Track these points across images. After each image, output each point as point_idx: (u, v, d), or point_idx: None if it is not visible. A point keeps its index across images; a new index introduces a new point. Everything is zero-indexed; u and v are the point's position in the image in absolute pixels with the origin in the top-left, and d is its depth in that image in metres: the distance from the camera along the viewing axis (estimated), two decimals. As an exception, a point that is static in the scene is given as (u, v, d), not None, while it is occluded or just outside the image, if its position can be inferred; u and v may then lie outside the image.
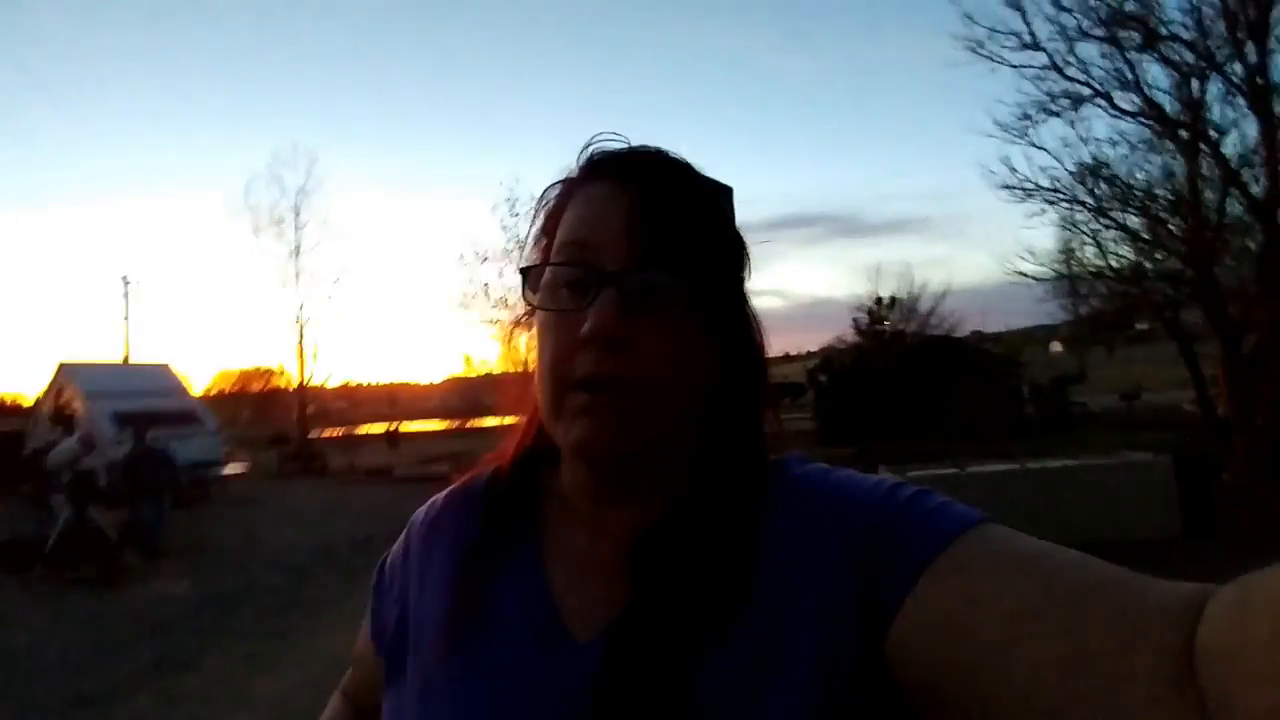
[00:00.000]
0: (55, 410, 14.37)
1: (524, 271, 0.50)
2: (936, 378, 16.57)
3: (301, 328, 24.04)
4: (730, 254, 0.50)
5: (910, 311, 21.48)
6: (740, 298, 0.51)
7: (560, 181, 0.51)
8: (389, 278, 75.63)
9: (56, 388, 15.77)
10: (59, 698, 4.10)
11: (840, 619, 0.41)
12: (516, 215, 26.12)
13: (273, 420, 29.90)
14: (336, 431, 28.26)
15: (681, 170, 0.49)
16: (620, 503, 0.49)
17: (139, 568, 7.37)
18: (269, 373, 33.18)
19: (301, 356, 24.42)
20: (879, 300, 20.87)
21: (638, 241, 0.45)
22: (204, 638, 5.11)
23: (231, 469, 15.23)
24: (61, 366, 16.04)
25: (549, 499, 0.53)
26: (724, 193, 0.50)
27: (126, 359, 22.67)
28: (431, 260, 73.30)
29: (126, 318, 26.48)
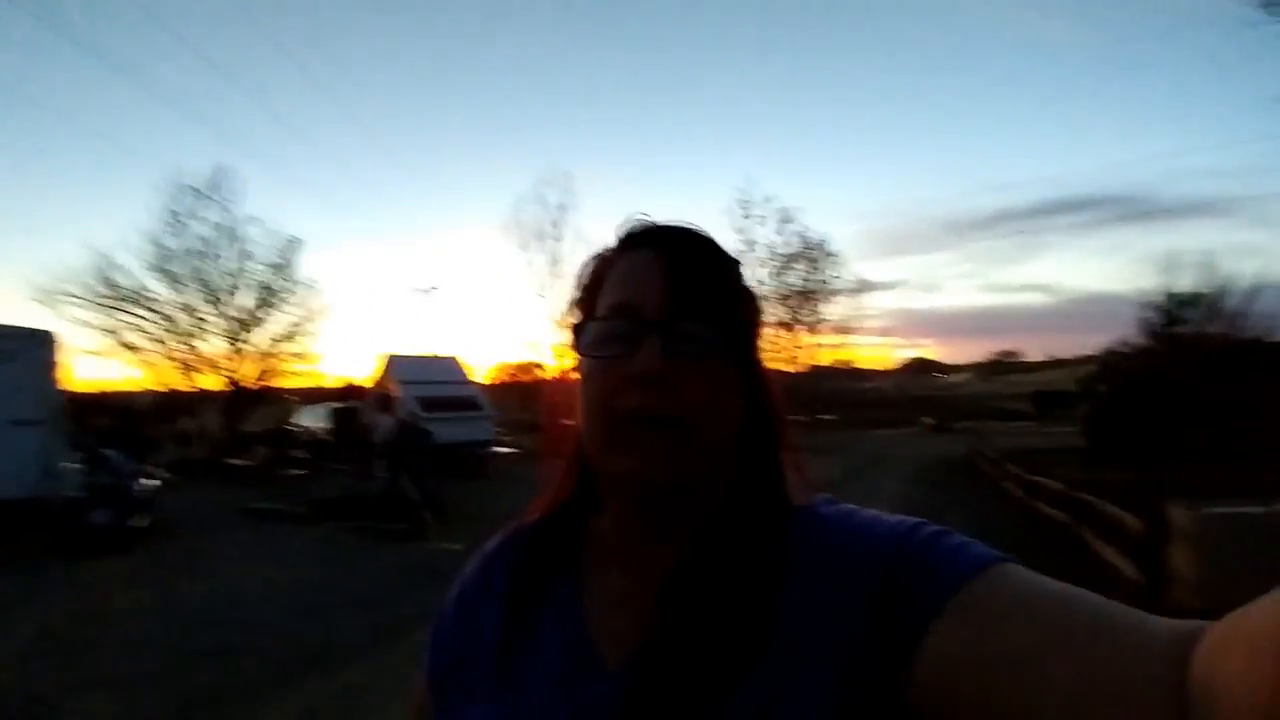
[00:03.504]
0: (380, 393, 17.79)
1: (575, 329, 0.55)
2: (1246, 391, 13.02)
3: (558, 327, 26.77)
4: (747, 307, 0.55)
5: (1214, 310, 17.39)
6: (755, 345, 0.55)
7: (597, 255, 0.58)
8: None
9: (382, 374, 19.56)
10: (359, 626, 5.01)
11: (856, 658, 0.43)
12: (749, 217, 25.81)
13: (535, 407, 33.77)
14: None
15: (706, 241, 0.55)
16: (657, 539, 0.53)
17: (433, 527, 8.74)
18: (535, 366, 37.47)
19: (557, 352, 27.12)
20: (1173, 297, 17.43)
21: (675, 297, 0.51)
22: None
23: (503, 449, 17.54)
24: (385, 357, 19.87)
25: (590, 541, 0.57)
26: (738, 261, 0.56)
27: (430, 351, 27.33)
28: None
29: (430, 318, 31.95)
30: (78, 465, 8.55)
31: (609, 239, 0.58)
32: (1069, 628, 0.36)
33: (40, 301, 17.79)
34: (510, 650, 0.53)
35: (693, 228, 0.55)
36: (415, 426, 10.38)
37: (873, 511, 0.51)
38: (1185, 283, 17.79)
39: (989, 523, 8.60)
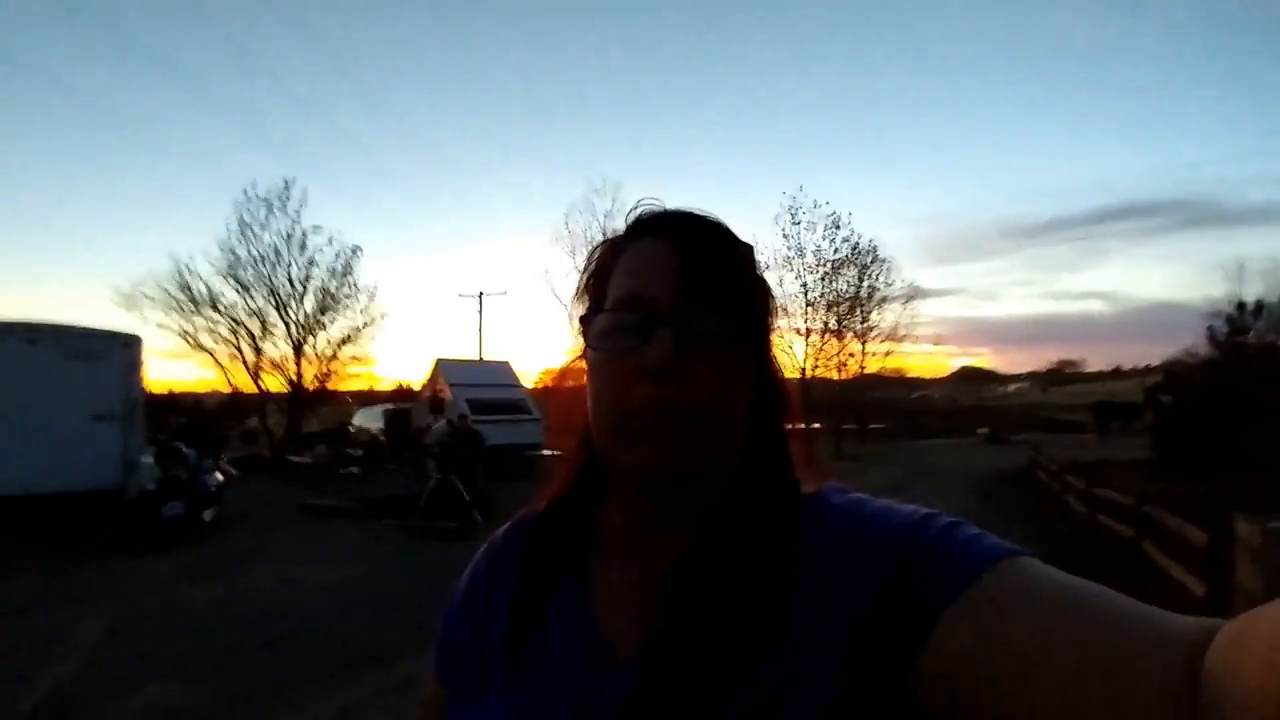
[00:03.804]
0: (432, 396, 18.28)
1: (583, 320, 0.54)
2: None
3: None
4: (761, 300, 0.54)
5: (1282, 319, 16.24)
6: (768, 336, 0.55)
7: (604, 242, 0.57)
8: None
9: (434, 377, 20.08)
10: (410, 622, 5.15)
11: (865, 649, 0.43)
12: (798, 224, 25.46)
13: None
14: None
15: (718, 228, 0.53)
16: (665, 528, 0.53)
17: (482, 527, 8.94)
18: (580, 371, 37.81)
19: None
20: (1241, 305, 16.60)
21: (687, 288, 0.50)
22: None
23: (550, 450, 17.68)
24: (437, 361, 20.41)
25: (596, 531, 0.57)
26: (751, 247, 0.55)
27: (480, 356, 27.90)
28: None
29: (481, 322, 32.62)
30: (153, 460, 9.10)
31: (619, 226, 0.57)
32: (1078, 622, 0.36)
33: (122, 305, 19.02)
34: (519, 643, 0.53)
35: (704, 214, 0.54)
36: (468, 429, 10.65)
37: (885, 500, 0.51)
38: (1253, 291, 17.01)
39: (1051, 538, 8.30)
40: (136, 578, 6.57)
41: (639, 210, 0.56)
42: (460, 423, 10.79)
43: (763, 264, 0.57)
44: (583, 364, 0.55)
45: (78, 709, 3.74)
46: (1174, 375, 17.87)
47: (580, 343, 0.55)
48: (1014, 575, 0.40)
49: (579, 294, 0.57)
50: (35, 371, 8.53)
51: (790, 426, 0.56)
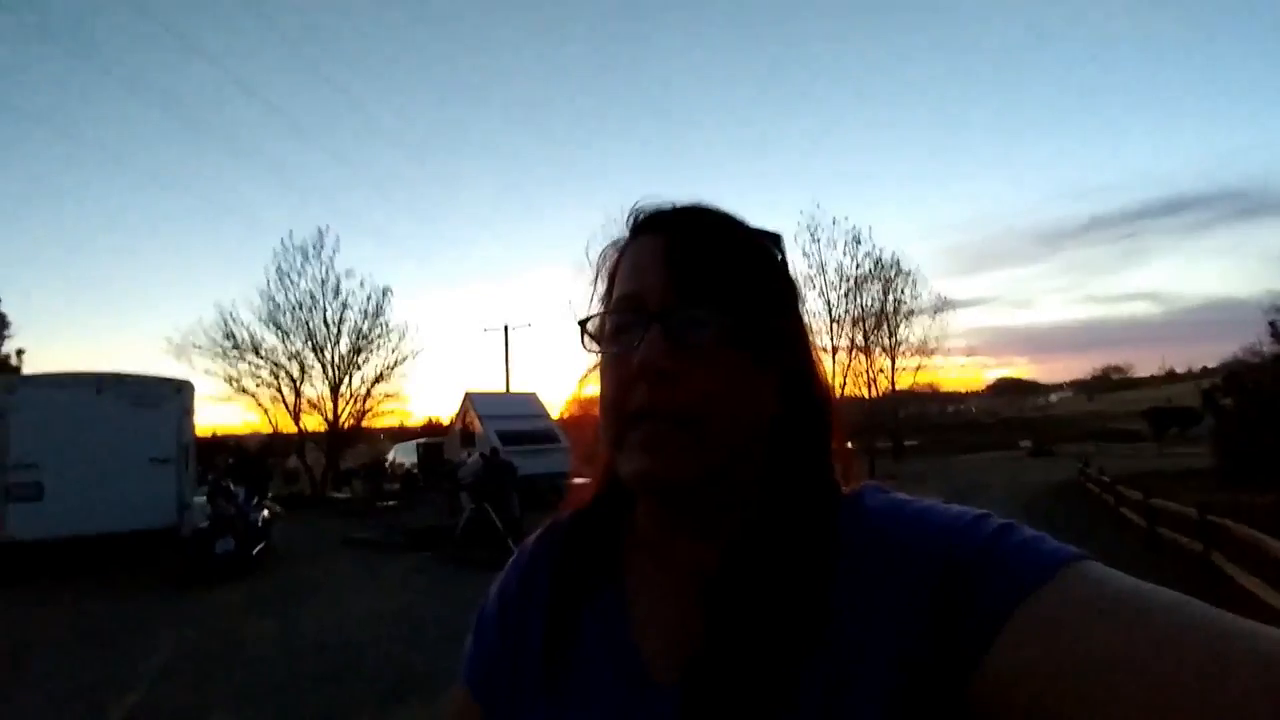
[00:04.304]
0: (462, 429, 18.65)
1: (582, 324, 0.53)
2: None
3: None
4: (776, 291, 0.52)
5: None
6: (796, 332, 0.52)
7: (613, 244, 0.55)
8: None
9: (464, 411, 20.50)
10: (453, 650, 5.28)
11: (914, 660, 0.40)
12: (818, 241, 25.48)
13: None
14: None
15: (716, 219, 0.51)
16: (692, 536, 0.51)
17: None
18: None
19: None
20: None
21: (677, 283, 0.48)
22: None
23: (579, 479, 17.87)
24: (467, 395, 20.85)
25: (630, 537, 0.55)
26: (769, 237, 0.53)
27: (507, 388, 28.33)
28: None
29: (507, 355, 33.24)
30: (204, 499, 9.58)
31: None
32: (1148, 633, 0.33)
33: (172, 354, 20.01)
34: (554, 658, 0.52)
35: (700, 205, 0.52)
36: (502, 461, 10.97)
37: (929, 500, 0.47)
38: None
39: (1112, 555, 8.01)
40: (195, 612, 6.92)
41: (637, 208, 0.54)
42: (493, 456, 11.11)
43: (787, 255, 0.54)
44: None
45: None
46: (1235, 376, 16.84)
47: (590, 350, 0.54)
48: (1078, 582, 0.37)
49: (590, 301, 0.56)
50: (100, 418, 9.18)
51: (831, 431, 0.52)
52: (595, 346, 0.52)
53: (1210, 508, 6.72)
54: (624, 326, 0.50)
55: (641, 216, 0.54)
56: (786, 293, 0.53)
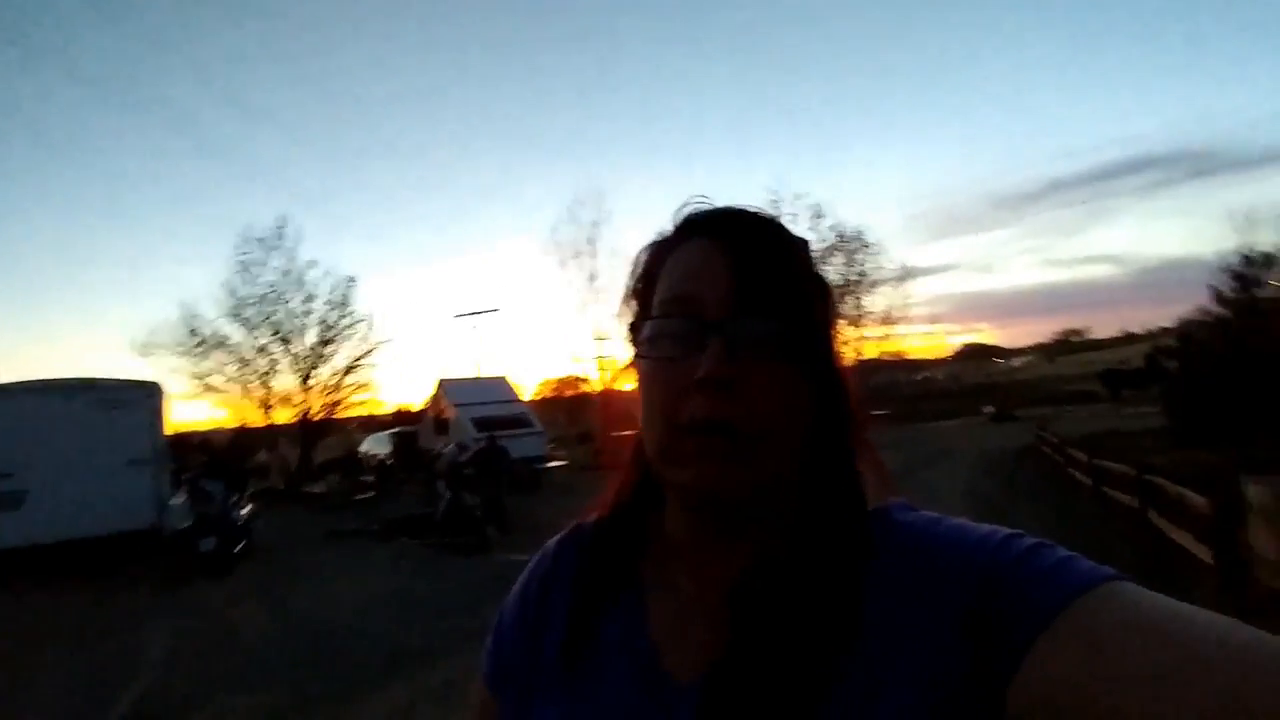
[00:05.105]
0: (436, 417, 18.76)
1: (632, 327, 0.53)
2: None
3: (600, 341, 27.55)
4: (820, 300, 0.51)
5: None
6: (830, 341, 0.52)
7: (653, 243, 0.54)
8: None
9: (437, 399, 20.55)
10: (445, 630, 5.62)
11: (947, 678, 0.40)
12: (779, 217, 25.85)
13: (582, 421, 34.51)
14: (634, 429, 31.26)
15: (771, 225, 0.51)
16: (724, 544, 0.50)
17: (496, 539, 9.41)
18: (578, 380, 38.15)
19: (601, 366, 27.95)
20: (1249, 258, 15.88)
21: (740, 292, 0.47)
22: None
23: (554, 462, 18.28)
24: (440, 382, 20.88)
25: (653, 542, 0.55)
26: (806, 244, 0.53)
27: (477, 373, 28.36)
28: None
29: (476, 340, 33.18)
30: (182, 499, 9.64)
31: (665, 227, 0.54)
32: (1190, 653, 0.33)
33: (139, 353, 19.66)
34: (574, 657, 0.52)
35: (757, 211, 0.51)
36: (494, 447, 11.23)
37: (959, 519, 0.47)
38: (1267, 240, 16.04)
39: (1061, 514, 8.33)
40: (189, 603, 7.10)
41: (687, 209, 0.53)
42: (487, 441, 11.36)
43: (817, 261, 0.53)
44: (631, 372, 0.53)
45: (160, 721, 4.23)
46: (1187, 337, 17.03)
47: (630, 350, 0.53)
48: (1114, 601, 0.37)
49: (625, 299, 0.55)
50: (75, 424, 9.22)
51: (858, 439, 0.52)
52: (644, 350, 0.51)
53: (1150, 468, 6.91)
54: (674, 332, 0.49)
55: (692, 217, 0.53)
56: (830, 304, 0.53)
